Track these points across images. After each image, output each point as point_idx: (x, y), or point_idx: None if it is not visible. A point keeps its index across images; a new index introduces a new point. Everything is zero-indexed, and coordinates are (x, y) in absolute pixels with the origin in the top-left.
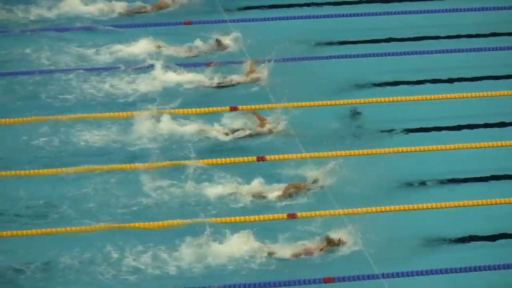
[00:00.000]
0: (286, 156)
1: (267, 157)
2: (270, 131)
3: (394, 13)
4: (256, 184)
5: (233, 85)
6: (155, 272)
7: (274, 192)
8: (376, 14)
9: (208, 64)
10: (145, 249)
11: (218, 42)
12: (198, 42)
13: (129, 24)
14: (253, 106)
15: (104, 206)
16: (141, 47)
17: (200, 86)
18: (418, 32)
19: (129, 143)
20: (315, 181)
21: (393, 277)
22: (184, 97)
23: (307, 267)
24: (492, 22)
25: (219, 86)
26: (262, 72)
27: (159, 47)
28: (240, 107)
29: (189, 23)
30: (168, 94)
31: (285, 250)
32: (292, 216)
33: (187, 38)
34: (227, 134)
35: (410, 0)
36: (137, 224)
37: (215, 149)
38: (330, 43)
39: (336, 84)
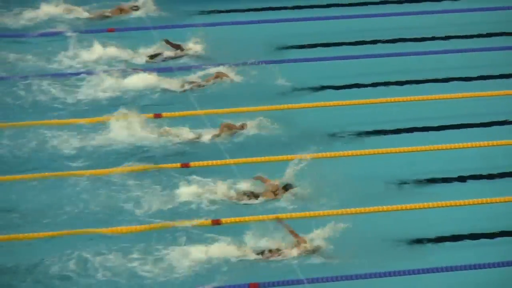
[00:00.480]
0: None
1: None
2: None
3: (355, 17)
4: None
5: (199, 87)
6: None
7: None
8: (336, 17)
9: (171, 68)
10: (112, 253)
11: (169, 43)
12: (162, 47)
13: (93, 29)
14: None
15: (76, 211)
16: (105, 52)
17: (165, 90)
18: (381, 34)
19: (100, 147)
20: (287, 185)
21: (371, 278)
22: (149, 101)
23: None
24: (433, 25)
25: (184, 90)
26: (226, 76)
27: (121, 51)
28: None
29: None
30: (134, 98)
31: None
32: (216, 222)
33: (150, 43)
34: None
35: (365, 4)
36: (110, 229)
37: (186, 152)
38: (290, 47)
39: (298, 86)
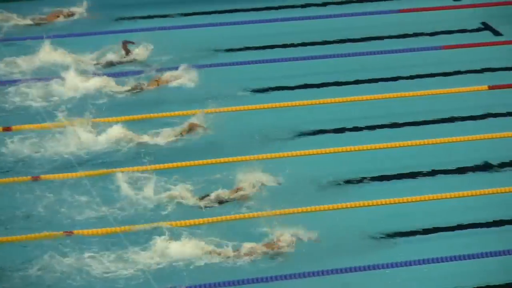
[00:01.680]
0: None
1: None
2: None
3: (290, 19)
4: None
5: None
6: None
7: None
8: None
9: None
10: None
11: (125, 47)
12: (106, 52)
13: (35, 36)
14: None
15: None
16: (52, 57)
17: (114, 94)
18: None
19: (52, 154)
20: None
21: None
22: (99, 106)
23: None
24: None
25: (132, 93)
26: (171, 78)
27: (69, 57)
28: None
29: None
30: (82, 103)
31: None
32: (68, 234)
33: (88, 48)
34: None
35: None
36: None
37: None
38: (230, 50)
39: (239, 89)
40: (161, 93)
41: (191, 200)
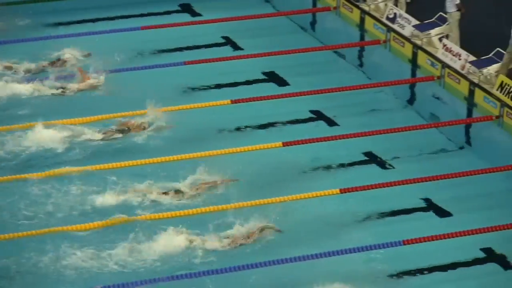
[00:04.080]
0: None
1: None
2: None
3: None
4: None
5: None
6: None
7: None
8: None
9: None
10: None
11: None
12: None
13: None
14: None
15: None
16: None
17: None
18: None
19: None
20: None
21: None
22: (33, 107)
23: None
24: None
25: (62, 95)
26: (98, 80)
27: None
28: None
29: None
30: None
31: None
32: None
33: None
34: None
35: None
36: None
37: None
38: (154, 52)
39: (167, 90)
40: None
41: (154, 195)
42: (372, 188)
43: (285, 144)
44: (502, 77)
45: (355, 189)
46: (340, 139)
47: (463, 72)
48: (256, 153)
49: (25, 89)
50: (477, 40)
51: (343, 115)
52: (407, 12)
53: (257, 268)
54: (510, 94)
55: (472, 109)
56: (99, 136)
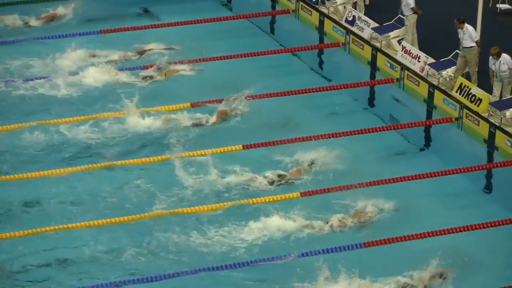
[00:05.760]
0: None
1: None
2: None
3: None
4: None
5: None
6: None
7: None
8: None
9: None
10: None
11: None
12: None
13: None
14: None
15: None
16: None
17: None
18: None
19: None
20: None
21: None
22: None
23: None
24: None
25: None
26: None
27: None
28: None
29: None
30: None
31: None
32: None
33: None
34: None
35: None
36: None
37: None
38: None
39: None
40: None
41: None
42: (331, 191)
43: (245, 147)
44: (461, 79)
45: (315, 192)
46: (300, 141)
47: (422, 74)
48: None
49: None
50: (436, 42)
51: (303, 117)
52: (366, 14)
53: None
54: (469, 96)
55: (432, 111)
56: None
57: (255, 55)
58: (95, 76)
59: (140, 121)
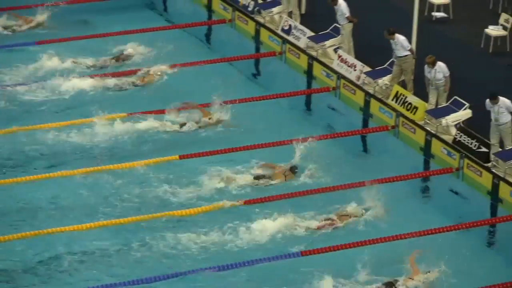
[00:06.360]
0: None
1: None
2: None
3: None
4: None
5: None
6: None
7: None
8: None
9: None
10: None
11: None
12: None
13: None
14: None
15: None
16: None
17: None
18: None
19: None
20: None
21: None
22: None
23: None
24: None
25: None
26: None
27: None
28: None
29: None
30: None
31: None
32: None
33: None
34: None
35: None
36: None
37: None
38: None
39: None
40: None
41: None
42: (273, 200)
43: (182, 157)
44: (397, 87)
45: (259, 200)
46: (235, 151)
47: (358, 83)
48: None
49: (91, 83)
50: (372, 50)
51: (239, 127)
52: (301, 23)
53: None
54: (405, 104)
55: (368, 119)
56: (184, 128)
57: (190, 65)
58: (66, 83)
59: (111, 128)
